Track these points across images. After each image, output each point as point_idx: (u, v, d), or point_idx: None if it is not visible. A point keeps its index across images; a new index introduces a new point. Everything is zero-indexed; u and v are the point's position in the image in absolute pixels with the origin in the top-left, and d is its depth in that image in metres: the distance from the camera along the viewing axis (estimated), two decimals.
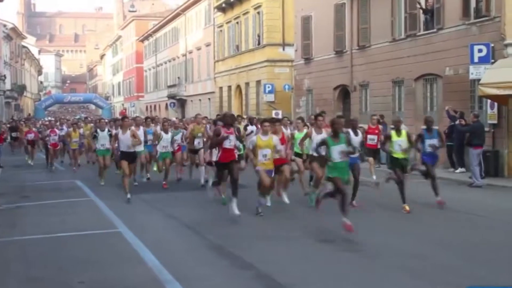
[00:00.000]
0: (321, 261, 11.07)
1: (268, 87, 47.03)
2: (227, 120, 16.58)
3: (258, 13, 50.79)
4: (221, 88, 60.44)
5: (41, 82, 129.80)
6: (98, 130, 24.57)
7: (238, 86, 55.93)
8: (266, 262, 10.77)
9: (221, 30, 59.72)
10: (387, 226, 14.55)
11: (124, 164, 18.89)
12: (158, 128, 24.33)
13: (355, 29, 36.24)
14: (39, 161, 33.62)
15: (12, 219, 16.70)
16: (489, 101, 25.33)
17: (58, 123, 40.62)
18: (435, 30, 29.41)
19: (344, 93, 38.42)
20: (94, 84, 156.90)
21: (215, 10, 59.57)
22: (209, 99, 64.03)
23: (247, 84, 53.76)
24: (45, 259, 11.78)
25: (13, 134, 42.15)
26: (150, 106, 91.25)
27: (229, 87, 57.96)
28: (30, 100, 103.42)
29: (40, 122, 55.99)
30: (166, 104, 79.21)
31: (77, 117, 79.39)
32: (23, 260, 11.80)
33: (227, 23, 57.81)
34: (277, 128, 17.44)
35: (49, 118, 75.40)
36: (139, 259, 11.56)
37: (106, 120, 30.35)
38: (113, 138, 20.56)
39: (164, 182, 22.23)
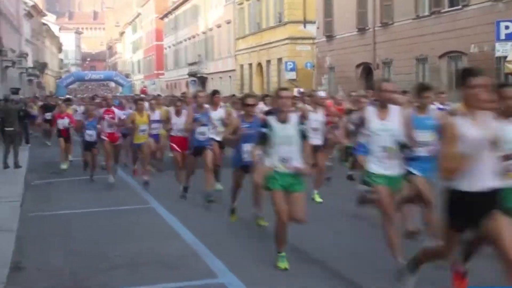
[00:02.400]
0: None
1: (290, 64, 46.98)
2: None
3: None
4: (241, 66, 60.45)
5: (62, 60, 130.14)
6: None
7: (259, 64, 55.91)
8: (298, 237, 10.59)
9: (241, 7, 59.63)
10: None
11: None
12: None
13: (378, 6, 36.22)
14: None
15: (45, 194, 16.87)
16: None
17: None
18: (460, 7, 29.35)
19: (367, 70, 38.43)
20: (113, 62, 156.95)
21: None
22: (230, 77, 64.05)
23: (268, 62, 53.71)
24: (81, 233, 11.90)
25: (47, 116, 30.45)
26: (171, 84, 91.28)
27: (250, 65, 57.98)
28: (51, 78, 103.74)
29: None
30: (187, 82, 79.13)
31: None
32: (59, 234, 11.91)
33: (247, 0, 57.63)
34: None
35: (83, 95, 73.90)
36: (174, 234, 11.67)
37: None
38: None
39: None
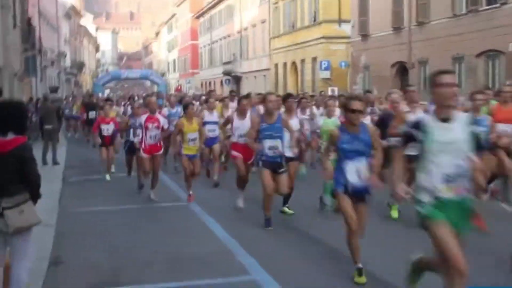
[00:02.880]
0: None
1: (324, 64, 46.86)
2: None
3: None
4: (276, 65, 60.40)
5: (99, 60, 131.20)
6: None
7: (294, 63, 55.85)
8: (331, 236, 10.57)
9: (276, 7, 59.59)
10: None
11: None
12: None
13: (414, 5, 36.07)
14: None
15: (82, 191, 17.12)
16: None
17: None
18: (498, 5, 29.18)
19: (402, 70, 38.27)
20: (149, 61, 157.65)
21: None
22: (264, 76, 64.03)
23: (302, 61, 53.62)
24: (118, 229, 12.12)
25: (91, 115, 29.05)
26: (205, 83, 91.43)
27: (285, 64, 57.92)
28: (89, 77, 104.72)
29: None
30: (221, 81, 79.33)
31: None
32: (97, 230, 12.12)
33: (283, 0, 57.68)
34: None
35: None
36: (208, 231, 11.83)
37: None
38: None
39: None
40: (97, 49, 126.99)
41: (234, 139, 13.91)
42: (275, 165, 11.86)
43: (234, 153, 13.63)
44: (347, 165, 8.67)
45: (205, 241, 11.09)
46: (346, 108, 9.00)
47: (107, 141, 18.67)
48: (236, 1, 74.00)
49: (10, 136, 6.94)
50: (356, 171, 8.65)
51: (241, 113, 13.92)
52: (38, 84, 47.67)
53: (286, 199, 13.12)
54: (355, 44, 43.60)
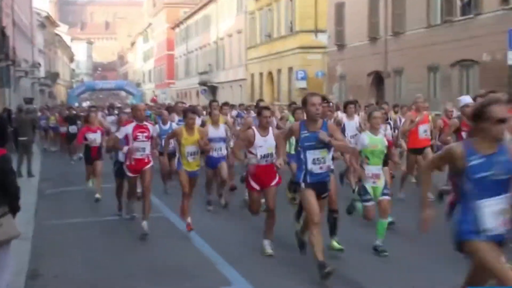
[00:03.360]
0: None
1: (300, 73, 47.11)
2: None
3: (291, 0, 50.80)
4: (252, 74, 60.65)
5: (73, 70, 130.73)
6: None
7: (270, 73, 56.09)
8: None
9: (253, 17, 59.82)
10: None
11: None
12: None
13: (390, 15, 36.36)
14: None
15: (58, 203, 16.90)
16: None
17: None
18: (472, 15, 29.43)
19: (378, 79, 38.50)
20: (124, 71, 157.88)
21: None
22: (240, 85, 64.26)
23: (279, 71, 53.87)
24: (96, 241, 12.05)
25: (72, 129, 26.37)
26: (181, 93, 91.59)
27: (261, 74, 58.15)
28: (63, 88, 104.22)
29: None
30: (197, 91, 79.55)
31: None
32: (75, 242, 12.01)
33: (259, 10, 57.94)
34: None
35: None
36: (188, 243, 11.64)
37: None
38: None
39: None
40: (71, 59, 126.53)
41: (253, 161, 10.60)
42: (322, 186, 9.34)
43: (253, 183, 10.62)
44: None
45: (186, 252, 10.93)
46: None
47: (94, 153, 15.97)
48: (213, 11, 74.33)
49: None
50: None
51: (263, 127, 10.68)
52: (12, 95, 47.43)
53: (332, 227, 10.66)
54: (331, 54, 43.82)
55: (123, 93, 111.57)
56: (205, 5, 78.30)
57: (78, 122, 26.08)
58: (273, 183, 10.68)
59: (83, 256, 10.85)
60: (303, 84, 46.48)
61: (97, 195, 15.75)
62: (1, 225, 6.83)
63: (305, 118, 9.72)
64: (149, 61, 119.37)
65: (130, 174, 12.36)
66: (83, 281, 9.30)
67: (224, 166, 14.54)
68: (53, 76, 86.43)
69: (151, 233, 11.96)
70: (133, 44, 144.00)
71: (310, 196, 9.09)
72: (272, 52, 54.66)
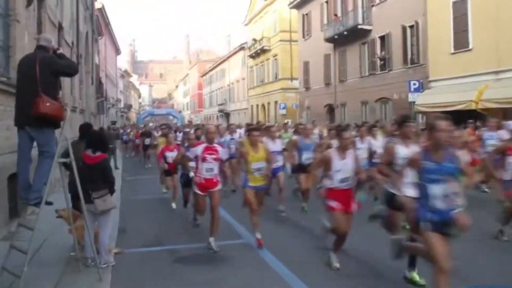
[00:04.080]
0: None
1: (282, 105, 46.78)
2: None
3: (276, 59, 50.85)
4: (252, 106, 60.50)
5: (140, 103, 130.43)
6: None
7: (263, 105, 55.95)
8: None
9: (251, 69, 59.72)
10: None
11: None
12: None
13: (337, 69, 36.20)
14: None
15: (135, 186, 16.74)
16: (420, 115, 25.46)
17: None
18: (386, 71, 29.50)
19: (330, 109, 38.35)
20: (172, 103, 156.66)
21: (248, 57, 59.47)
22: (244, 113, 64.13)
23: (268, 103, 53.77)
24: (162, 208, 11.98)
25: (147, 141, 23.66)
26: (206, 117, 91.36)
27: (257, 105, 58.01)
28: (134, 113, 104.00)
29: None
30: (217, 116, 79.47)
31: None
32: (147, 211, 11.98)
33: (256, 65, 57.83)
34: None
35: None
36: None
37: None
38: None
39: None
40: (139, 96, 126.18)
41: (330, 184, 6.86)
42: (447, 225, 5.01)
43: (332, 203, 6.82)
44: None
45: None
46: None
47: (171, 168, 12.39)
48: (226, 66, 74.18)
49: (97, 153, 7.10)
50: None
51: (343, 150, 6.89)
52: (104, 119, 47.84)
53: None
54: (301, 93, 43.72)
55: (170, 117, 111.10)
56: (222, 62, 77.98)
57: (151, 135, 23.78)
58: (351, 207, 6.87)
59: (152, 219, 10.84)
60: (283, 112, 46.16)
61: (173, 205, 12.18)
62: (105, 200, 6.94)
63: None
64: (187, 97, 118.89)
65: (198, 192, 8.43)
66: (152, 235, 9.30)
67: (282, 176, 11.41)
68: (128, 107, 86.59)
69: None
70: (177, 86, 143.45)
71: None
72: (264, 91, 54.57)
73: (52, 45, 6.43)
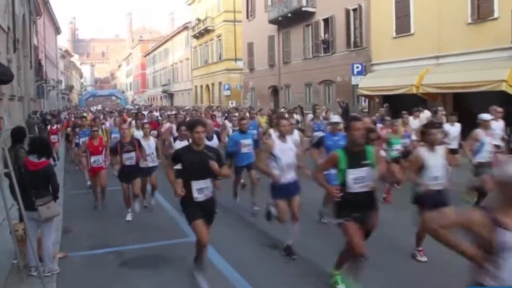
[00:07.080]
0: None
1: (226, 86, 46.80)
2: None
3: (220, 39, 50.46)
4: (196, 86, 60.02)
5: (82, 83, 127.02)
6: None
7: (207, 85, 55.63)
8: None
9: (195, 50, 59.13)
10: None
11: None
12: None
13: (281, 51, 36.22)
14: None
15: (80, 178, 15.71)
16: (363, 97, 25.91)
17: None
18: (330, 53, 29.69)
19: (274, 91, 38.45)
20: (114, 84, 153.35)
21: (192, 37, 58.74)
22: (188, 93, 63.59)
23: (212, 84, 53.50)
24: (108, 206, 11.72)
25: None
26: (150, 98, 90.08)
27: (201, 86, 57.63)
28: (76, 95, 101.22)
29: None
30: (161, 96, 78.44)
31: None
32: (90, 207, 11.59)
33: (199, 45, 57.25)
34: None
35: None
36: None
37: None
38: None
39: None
40: (81, 76, 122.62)
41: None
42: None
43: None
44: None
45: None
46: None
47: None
48: (170, 46, 73.10)
49: (42, 159, 6.84)
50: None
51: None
52: (45, 103, 46.64)
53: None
54: (245, 74, 43.65)
55: (113, 97, 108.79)
56: (165, 42, 76.76)
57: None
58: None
59: (96, 217, 10.52)
60: (228, 93, 46.16)
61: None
62: (49, 208, 6.71)
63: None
64: (130, 77, 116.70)
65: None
66: (97, 235, 9.04)
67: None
68: (70, 88, 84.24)
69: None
70: (119, 66, 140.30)
71: None
72: (208, 72, 54.19)
73: None
